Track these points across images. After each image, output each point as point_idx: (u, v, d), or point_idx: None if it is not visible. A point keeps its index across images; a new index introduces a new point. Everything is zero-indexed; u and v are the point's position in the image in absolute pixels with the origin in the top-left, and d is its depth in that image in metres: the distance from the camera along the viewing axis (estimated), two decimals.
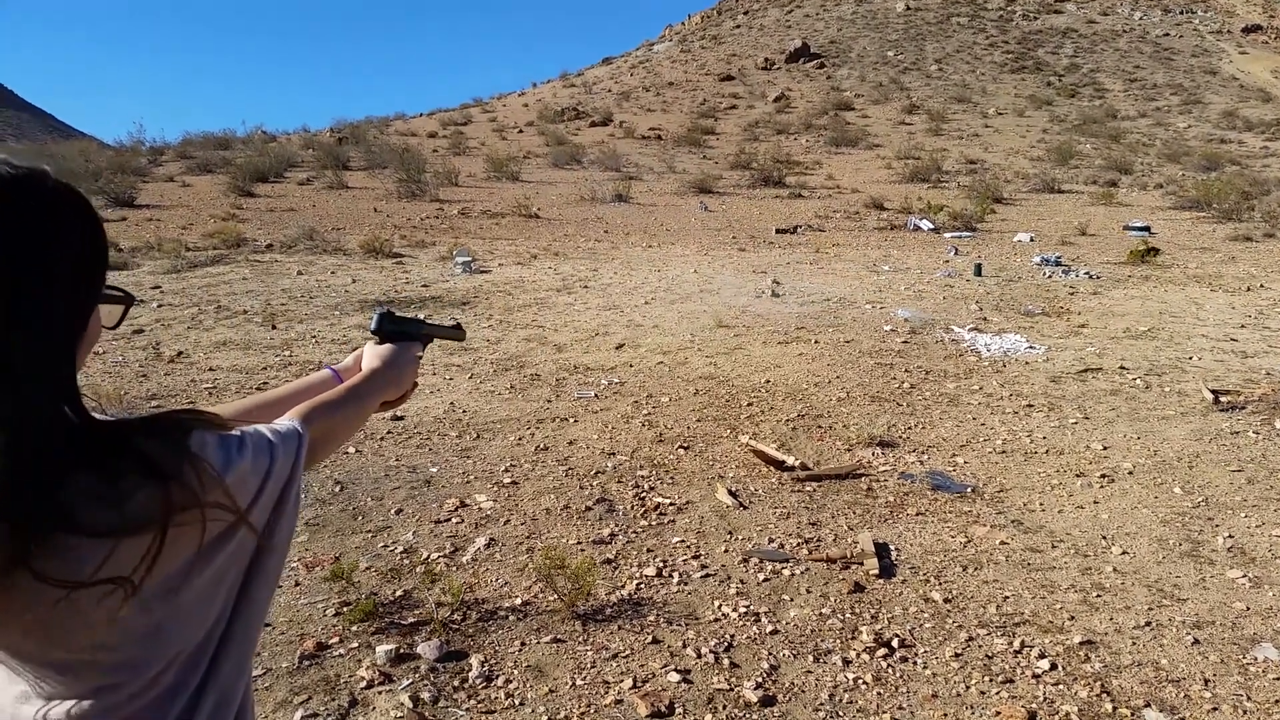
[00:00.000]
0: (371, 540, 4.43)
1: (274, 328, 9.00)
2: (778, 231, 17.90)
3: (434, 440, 5.91)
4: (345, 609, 3.70)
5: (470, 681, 3.27)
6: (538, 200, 21.17)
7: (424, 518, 4.71)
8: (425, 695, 3.18)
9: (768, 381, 7.39)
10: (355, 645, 3.48)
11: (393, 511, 4.77)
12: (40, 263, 0.84)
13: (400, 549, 4.33)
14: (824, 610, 3.86)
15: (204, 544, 0.91)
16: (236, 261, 12.90)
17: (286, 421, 1.10)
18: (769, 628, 3.71)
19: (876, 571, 4.18)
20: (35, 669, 0.89)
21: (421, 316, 1.52)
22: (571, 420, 6.38)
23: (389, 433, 5.99)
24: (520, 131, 38.61)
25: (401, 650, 3.43)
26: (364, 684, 3.23)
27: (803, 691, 3.28)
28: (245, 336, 8.63)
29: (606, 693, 3.23)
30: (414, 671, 3.32)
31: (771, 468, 5.51)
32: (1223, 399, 6.76)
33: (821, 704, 3.20)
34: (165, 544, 0.87)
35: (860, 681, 3.34)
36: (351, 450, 5.63)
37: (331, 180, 23.48)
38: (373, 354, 1.38)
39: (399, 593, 3.89)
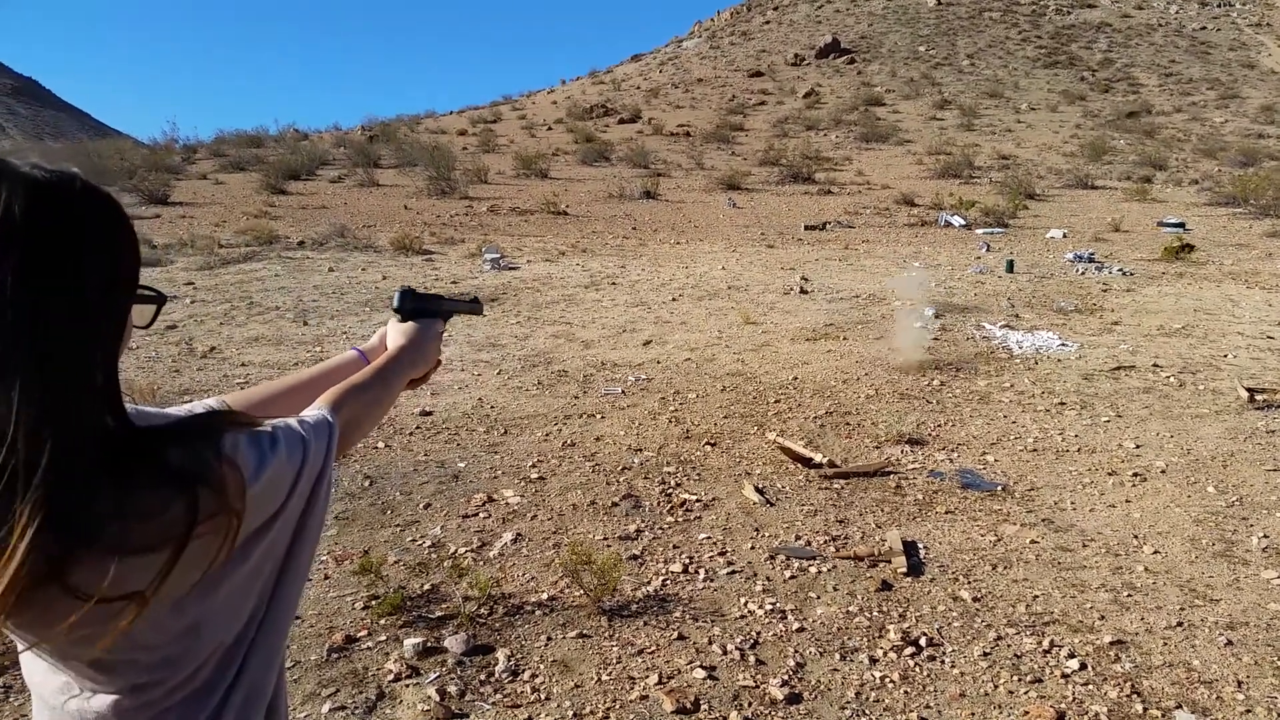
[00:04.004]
0: (400, 534, 4.47)
1: (305, 324, 9.10)
2: (807, 228, 17.81)
3: (462, 435, 5.95)
4: (373, 602, 3.73)
5: (496, 675, 3.29)
6: (566, 197, 21.21)
7: (452, 512, 4.74)
8: (452, 689, 3.20)
9: (795, 378, 7.36)
10: (383, 638, 3.51)
11: (421, 506, 4.81)
12: (72, 266, 0.84)
13: (428, 543, 4.37)
14: (851, 608, 3.84)
15: (237, 545, 0.91)
16: (269, 258, 13.04)
17: (315, 411, 1.09)
18: (795, 625, 3.70)
19: (905, 570, 4.15)
20: (78, 667, 0.90)
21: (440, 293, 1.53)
22: (599, 416, 6.40)
23: (417, 428, 6.04)
24: (549, 129, 38.67)
25: (429, 644, 3.45)
26: (391, 677, 3.26)
27: (829, 689, 3.27)
28: (277, 332, 8.73)
29: (632, 688, 3.24)
30: (441, 665, 3.35)
31: (799, 465, 5.49)
32: (1258, 397, 6.65)
33: (848, 702, 3.19)
34: (193, 551, 0.87)
35: (887, 680, 3.32)
36: (380, 445, 5.68)
37: (363, 178, 23.69)
38: (397, 332, 1.38)
39: (427, 586, 3.92)
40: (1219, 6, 73.30)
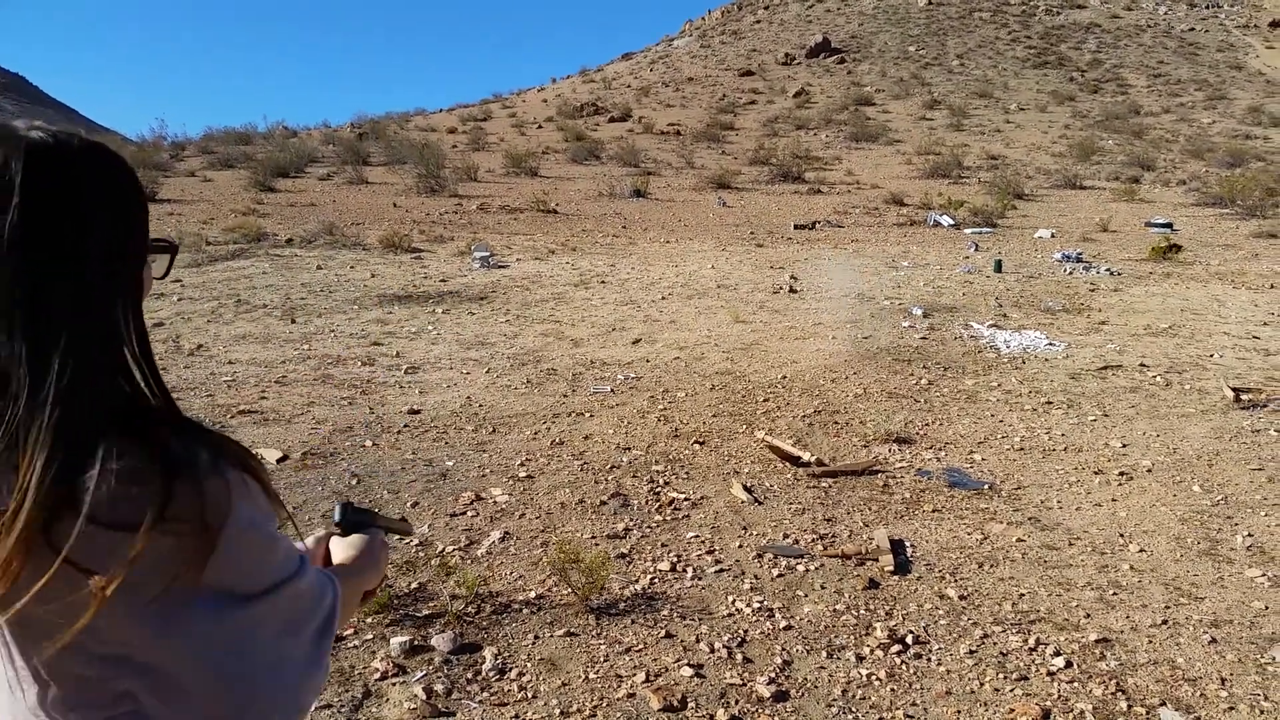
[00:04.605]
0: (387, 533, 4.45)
1: (293, 321, 9.07)
2: (796, 227, 17.84)
3: (450, 434, 5.93)
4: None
5: (483, 674, 3.29)
6: (556, 195, 21.18)
7: (440, 511, 4.73)
8: (439, 687, 3.20)
9: (784, 377, 7.37)
10: (370, 637, 3.50)
11: (409, 504, 4.80)
12: (73, 226, 0.84)
13: (416, 542, 4.36)
14: (838, 606, 3.85)
15: (205, 576, 0.87)
16: (256, 256, 12.99)
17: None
18: (783, 623, 3.70)
19: (891, 568, 4.17)
20: (30, 650, 0.88)
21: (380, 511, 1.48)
22: (587, 415, 6.39)
23: (405, 426, 6.02)
24: (539, 127, 38.64)
25: (416, 642, 3.44)
26: (378, 675, 3.25)
27: (816, 687, 3.27)
28: (264, 330, 8.69)
29: (619, 686, 3.24)
30: (428, 663, 3.34)
31: (787, 463, 5.50)
32: (1244, 397, 6.69)
33: (834, 700, 3.19)
34: (159, 550, 0.83)
35: (874, 678, 3.33)
36: (368, 444, 5.67)
37: (351, 175, 23.62)
38: (345, 545, 1.31)
39: (414, 585, 3.91)
40: (1207, 8, 73.74)
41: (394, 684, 3.21)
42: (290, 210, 18.28)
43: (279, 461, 5.29)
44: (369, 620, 3.61)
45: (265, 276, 11.50)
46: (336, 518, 1.33)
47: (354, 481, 5.05)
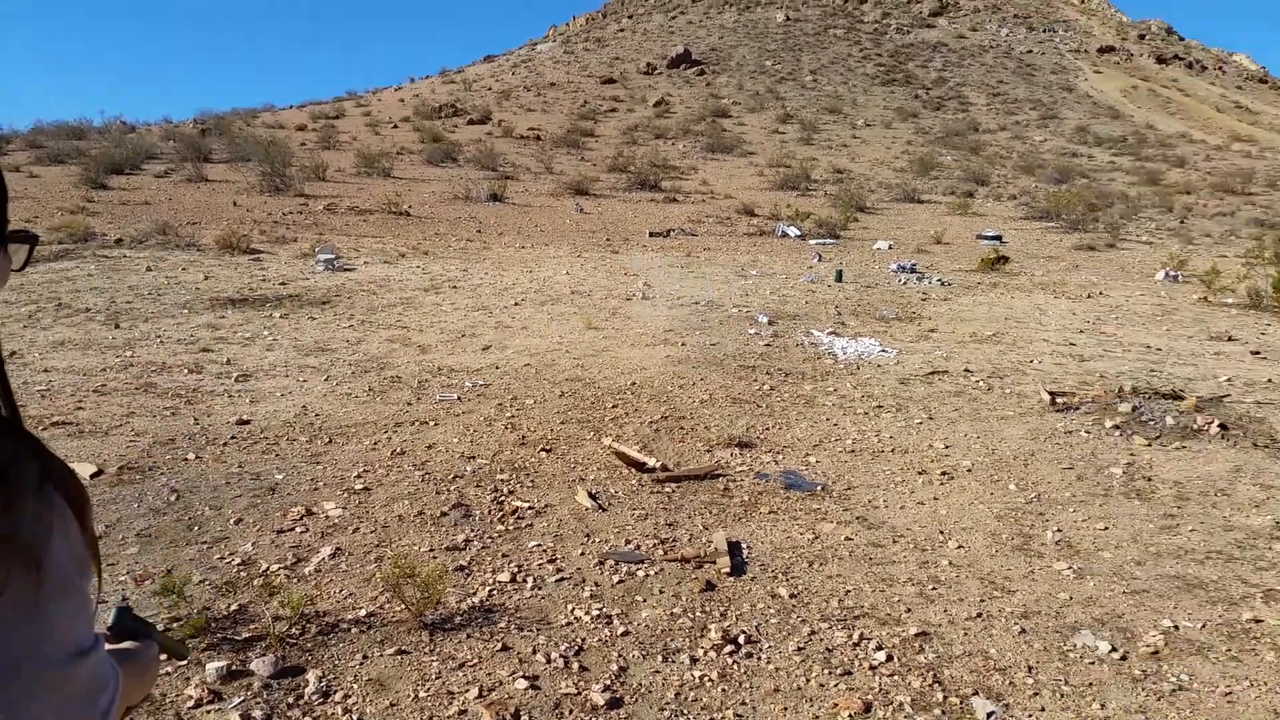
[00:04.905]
0: (207, 552, 4.22)
1: (117, 327, 8.51)
2: (651, 235, 18.05)
3: (281, 445, 5.68)
4: (175, 625, 3.51)
5: (306, 698, 3.15)
6: (409, 197, 20.72)
7: (265, 527, 4.51)
8: (256, 714, 3.04)
9: (633, 383, 7.43)
10: (183, 663, 3.31)
11: (232, 521, 4.56)
12: None
13: (238, 561, 4.14)
14: (675, 610, 3.89)
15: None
16: (83, 257, 12.16)
17: None
18: (620, 629, 3.71)
19: (728, 570, 4.24)
20: None
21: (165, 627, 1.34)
22: (432, 423, 6.26)
23: (233, 438, 5.73)
24: (395, 127, 37.75)
25: (233, 667, 3.27)
26: (191, 703, 3.07)
27: (650, 692, 3.29)
28: (85, 336, 8.12)
29: (450, 704, 3.17)
30: (246, 689, 3.17)
31: (633, 469, 5.53)
32: (1059, 400, 7.16)
33: (667, 703, 3.22)
34: None
35: (706, 679, 3.38)
36: (191, 457, 5.36)
37: (191, 173, 22.44)
38: (113, 650, 1.13)
39: (234, 607, 3.71)
40: (1044, 32, 79.14)
41: (209, 712, 3.04)
42: (123, 209, 17.20)
43: (93, 477, 4.94)
44: None
45: (90, 279, 10.77)
46: (110, 621, 1.19)
47: (173, 497, 4.77)
